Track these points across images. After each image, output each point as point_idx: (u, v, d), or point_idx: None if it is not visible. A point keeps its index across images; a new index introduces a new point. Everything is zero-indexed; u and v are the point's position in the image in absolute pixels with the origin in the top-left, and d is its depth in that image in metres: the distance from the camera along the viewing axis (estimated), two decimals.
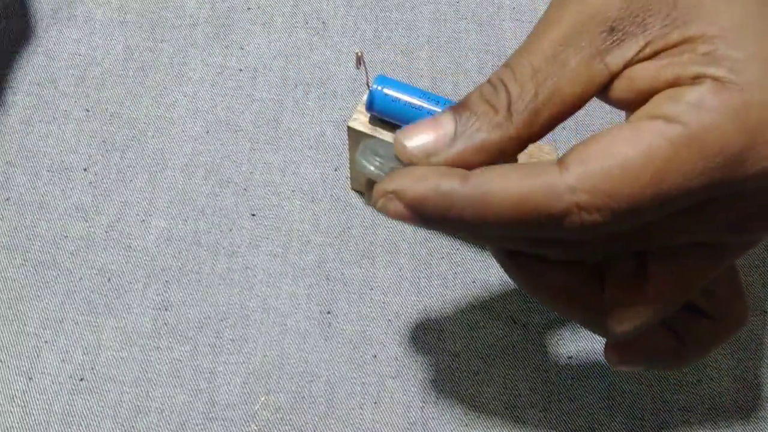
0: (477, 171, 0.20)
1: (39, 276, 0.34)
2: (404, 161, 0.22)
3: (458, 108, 0.22)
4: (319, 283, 0.34)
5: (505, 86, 0.21)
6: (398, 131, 0.22)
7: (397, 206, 0.21)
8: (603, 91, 0.21)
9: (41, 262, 0.34)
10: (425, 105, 0.29)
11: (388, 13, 0.42)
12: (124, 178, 0.37)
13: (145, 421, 0.31)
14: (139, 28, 0.41)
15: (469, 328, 0.34)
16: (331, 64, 0.40)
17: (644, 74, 0.20)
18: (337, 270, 0.35)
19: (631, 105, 0.21)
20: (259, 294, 0.34)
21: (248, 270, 0.35)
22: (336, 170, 0.37)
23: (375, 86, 0.30)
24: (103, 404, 0.32)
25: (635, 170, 0.19)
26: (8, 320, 0.33)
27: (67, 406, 0.32)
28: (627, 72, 0.20)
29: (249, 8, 0.41)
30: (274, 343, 0.33)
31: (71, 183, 0.36)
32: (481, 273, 0.35)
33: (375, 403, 0.32)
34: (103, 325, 0.33)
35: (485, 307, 0.34)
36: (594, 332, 0.25)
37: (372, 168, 0.23)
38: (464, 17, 0.42)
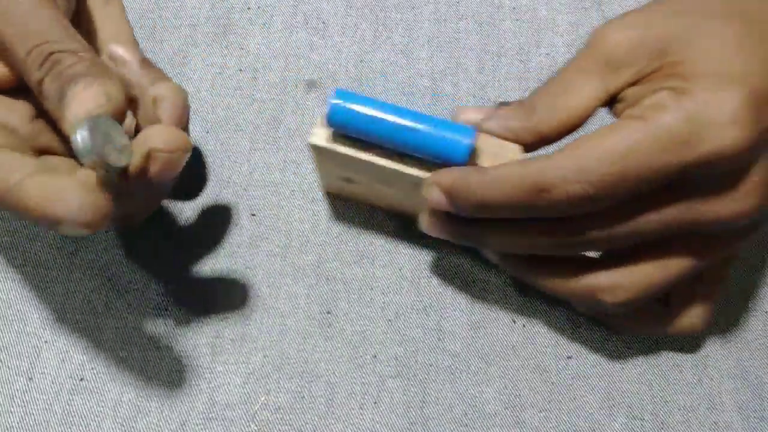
0: (492, 166, 0.27)
1: (39, 276, 0.34)
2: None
3: (503, 103, 0.30)
4: (319, 283, 0.34)
5: (534, 96, 0.29)
6: (455, 111, 0.30)
7: (436, 193, 0.28)
8: (612, 110, 0.28)
9: (41, 262, 0.34)
10: (385, 117, 0.28)
11: (388, 13, 0.42)
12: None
13: (145, 421, 0.31)
14: (139, 28, 0.41)
15: (469, 328, 0.34)
16: (331, 64, 0.40)
17: (631, 95, 0.27)
18: (337, 270, 0.35)
19: None
20: (259, 294, 0.34)
21: (248, 270, 0.35)
22: None
23: (334, 100, 0.29)
24: (103, 404, 0.32)
25: (607, 153, 0.25)
26: (8, 320, 0.33)
27: (67, 406, 0.32)
28: (622, 95, 0.28)
29: (249, 8, 0.41)
30: (274, 343, 0.33)
31: None
32: (481, 273, 0.35)
33: (375, 403, 0.32)
34: (103, 325, 0.33)
35: (485, 307, 0.34)
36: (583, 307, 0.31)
37: (112, 157, 0.25)
38: (464, 17, 0.42)
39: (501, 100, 0.30)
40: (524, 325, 0.34)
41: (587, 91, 0.28)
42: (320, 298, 0.34)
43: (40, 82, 0.26)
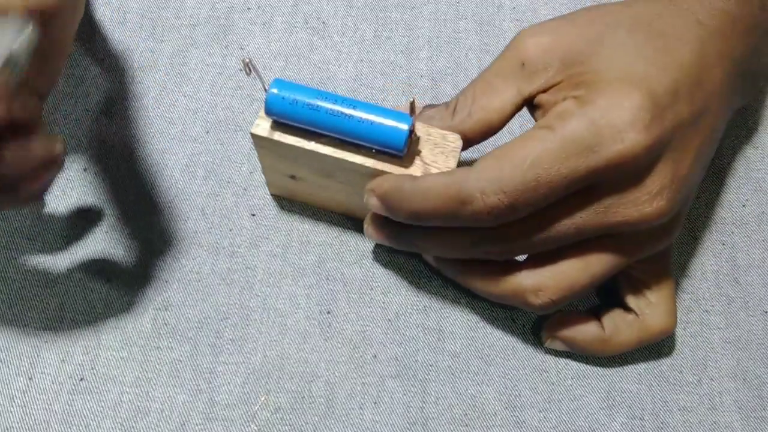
0: (423, 175, 0.28)
1: (39, 276, 0.34)
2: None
3: (430, 105, 0.32)
4: (319, 283, 0.34)
5: (457, 99, 0.31)
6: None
7: (373, 199, 0.29)
8: (534, 117, 0.30)
9: (41, 262, 0.34)
10: (324, 104, 0.29)
11: (388, 13, 0.42)
12: (124, 178, 0.37)
13: (145, 421, 0.31)
14: (139, 28, 0.41)
15: (469, 328, 0.34)
16: (331, 64, 0.40)
17: (544, 102, 0.29)
18: (337, 270, 0.35)
19: None
20: (259, 294, 0.34)
21: (248, 270, 0.35)
22: None
23: (272, 90, 0.29)
24: (103, 404, 0.32)
25: (519, 162, 0.26)
26: (8, 320, 0.33)
27: (67, 406, 0.32)
28: (537, 101, 0.29)
29: (249, 8, 0.41)
30: (274, 343, 0.33)
31: (71, 183, 0.36)
32: None
33: (375, 403, 0.32)
34: (103, 325, 0.33)
35: (485, 307, 0.34)
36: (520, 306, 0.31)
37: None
38: (464, 17, 0.42)
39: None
40: (524, 325, 0.34)
41: (504, 94, 0.29)
42: (320, 298, 0.34)
43: None
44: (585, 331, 0.32)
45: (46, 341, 0.33)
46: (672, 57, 0.28)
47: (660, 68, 0.27)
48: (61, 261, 0.34)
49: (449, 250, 0.30)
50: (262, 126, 0.30)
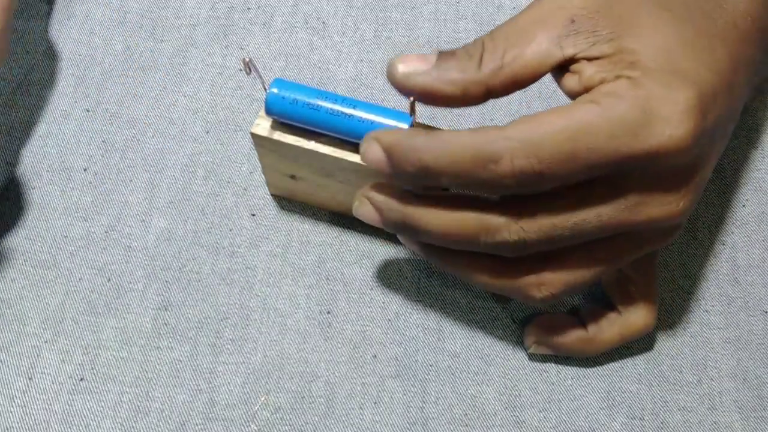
0: (438, 129, 0.26)
1: (39, 276, 0.34)
2: (390, 81, 0.27)
3: (446, 52, 0.27)
4: (319, 283, 0.34)
5: (483, 44, 0.26)
6: (394, 57, 0.27)
7: (375, 149, 0.26)
8: (560, 81, 0.27)
9: (41, 262, 0.34)
10: (324, 104, 0.29)
11: (388, 13, 0.42)
12: (124, 178, 0.37)
13: (145, 421, 0.31)
14: (139, 28, 0.41)
15: (469, 328, 0.34)
16: (331, 64, 0.40)
17: (587, 73, 0.26)
18: (337, 270, 0.35)
19: (578, 96, 0.26)
20: (259, 294, 0.34)
21: (248, 270, 0.35)
22: None
23: (272, 90, 0.29)
24: (103, 404, 0.32)
25: (559, 130, 0.24)
26: (8, 320, 0.33)
27: (67, 406, 0.32)
28: (576, 68, 0.26)
29: (249, 8, 0.41)
30: (274, 343, 0.33)
31: (71, 183, 0.36)
32: None
33: (375, 403, 0.32)
34: (103, 325, 0.33)
35: (485, 307, 0.34)
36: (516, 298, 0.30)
37: None
38: (464, 17, 0.42)
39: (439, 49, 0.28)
40: (524, 325, 0.34)
41: (545, 46, 0.26)
42: (320, 298, 0.34)
43: None
44: (568, 334, 0.32)
45: (46, 341, 0.33)
46: (714, 58, 0.27)
47: (707, 68, 0.26)
48: (61, 261, 0.34)
49: (457, 234, 0.27)
50: (262, 126, 0.30)
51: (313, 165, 0.31)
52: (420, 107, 0.28)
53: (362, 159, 0.27)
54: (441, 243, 0.28)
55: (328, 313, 0.34)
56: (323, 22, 0.41)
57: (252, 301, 0.34)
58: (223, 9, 0.41)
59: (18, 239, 0.35)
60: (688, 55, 0.26)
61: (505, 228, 0.27)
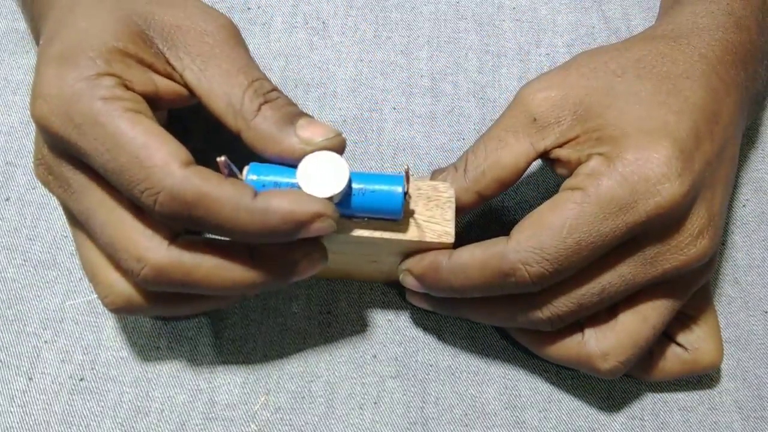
0: (457, 250, 0.28)
1: (39, 276, 0.34)
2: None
3: (438, 170, 0.32)
4: (319, 283, 0.34)
5: (467, 158, 0.30)
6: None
7: (411, 279, 0.30)
8: (552, 169, 0.30)
9: (41, 262, 0.34)
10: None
11: (388, 13, 0.42)
12: None
13: (145, 421, 0.31)
14: None
15: (469, 328, 0.34)
16: (331, 64, 0.40)
17: (563, 157, 0.28)
18: None
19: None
20: (259, 294, 0.34)
21: None
22: None
23: (249, 177, 0.27)
24: (103, 404, 0.32)
25: (558, 229, 0.26)
26: (8, 320, 0.33)
27: (67, 406, 0.32)
28: (554, 155, 0.29)
29: (249, 8, 0.41)
30: (274, 343, 0.33)
31: None
32: None
33: (375, 403, 0.32)
34: (103, 325, 0.33)
35: None
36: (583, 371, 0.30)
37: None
38: (464, 17, 0.42)
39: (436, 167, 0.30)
40: None
41: (517, 149, 0.29)
42: (320, 298, 0.34)
43: (259, 107, 0.27)
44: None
45: (46, 341, 0.33)
46: (684, 97, 0.28)
47: (677, 113, 0.27)
48: (61, 261, 0.34)
49: (498, 320, 0.30)
50: None
51: None
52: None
53: (403, 283, 0.30)
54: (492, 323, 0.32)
55: (328, 313, 0.34)
56: (323, 22, 0.41)
57: (252, 301, 0.34)
58: (223, 9, 0.41)
59: (18, 239, 0.35)
60: (653, 108, 0.27)
61: (536, 308, 0.28)
